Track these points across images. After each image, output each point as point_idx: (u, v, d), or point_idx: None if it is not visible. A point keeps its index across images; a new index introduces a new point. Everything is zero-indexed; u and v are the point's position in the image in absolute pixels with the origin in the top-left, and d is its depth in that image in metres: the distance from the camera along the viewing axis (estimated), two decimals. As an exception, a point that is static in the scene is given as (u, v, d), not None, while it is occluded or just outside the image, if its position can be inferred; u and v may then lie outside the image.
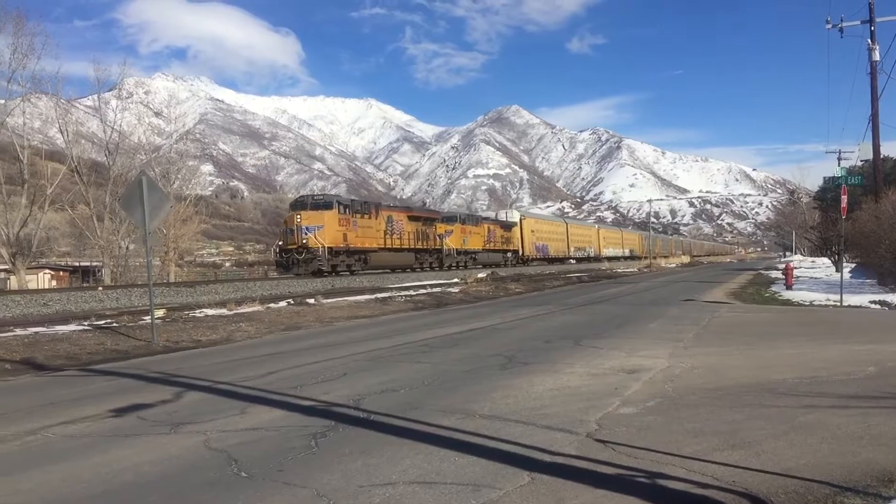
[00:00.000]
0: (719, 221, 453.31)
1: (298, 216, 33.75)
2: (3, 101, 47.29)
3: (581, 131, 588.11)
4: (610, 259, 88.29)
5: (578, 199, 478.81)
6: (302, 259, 33.03)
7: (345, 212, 35.70)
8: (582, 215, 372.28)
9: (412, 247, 42.91)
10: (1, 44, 44.46)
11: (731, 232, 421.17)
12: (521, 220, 64.82)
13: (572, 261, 75.26)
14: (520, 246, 62.27)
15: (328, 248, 33.38)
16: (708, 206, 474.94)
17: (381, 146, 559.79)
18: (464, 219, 52.13)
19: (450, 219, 50.41)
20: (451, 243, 47.73)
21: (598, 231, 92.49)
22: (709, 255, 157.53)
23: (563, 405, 7.08)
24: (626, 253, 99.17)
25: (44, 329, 14.75)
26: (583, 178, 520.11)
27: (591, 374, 8.89)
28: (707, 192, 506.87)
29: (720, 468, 4.95)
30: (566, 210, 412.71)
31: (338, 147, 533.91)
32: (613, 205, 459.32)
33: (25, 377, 10.37)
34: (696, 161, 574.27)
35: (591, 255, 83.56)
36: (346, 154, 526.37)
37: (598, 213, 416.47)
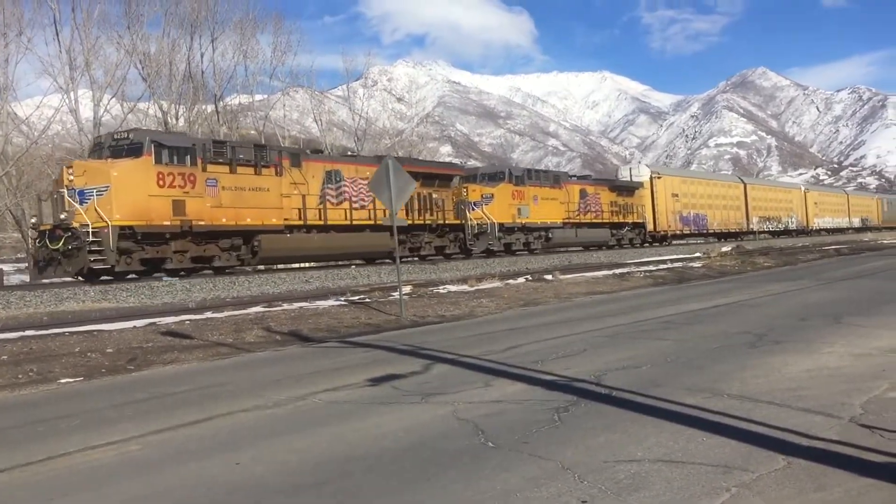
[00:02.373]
0: None
1: (70, 171, 19.91)
2: (266, 96, 52.22)
3: (838, 91, 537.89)
4: (832, 231, 70.15)
5: (835, 165, 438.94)
6: (61, 250, 19.22)
7: (172, 160, 20.84)
8: (840, 182, 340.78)
9: (373, 221, 26.87)
10: (262, 43, 49.08)
11: None
12: (652, 178, 46.47)
13: (764, 236, 58.67)
14: (650, 217, 45.45)
15: (119, 227, 19.49)
16: None
17: (616, 119, 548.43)
18: (519, 176, 34.39)
19: (490, 177, 33.72)
20: (491, 214, 31.65)
21: (805, 194, 70.21)
22: None
23: (822, 387, 6.59)
24: (856, 223, 77.67)
25: (307, 304, 16.17)
26: (840, 143, 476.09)
27: (854, 354, 8.19)
28: None
29: None
30: (821, 178, 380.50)
31: (572, 122, 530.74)
32: (878, 169, 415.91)
33: (293, 347, 11.44)
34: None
35: (793, 226, 64.55)
36: (581, 129, 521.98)
37: (859, 180, 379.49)
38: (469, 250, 31.71)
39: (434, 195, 30.16)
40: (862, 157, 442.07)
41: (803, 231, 65.49)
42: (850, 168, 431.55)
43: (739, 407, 5.97)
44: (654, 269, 25.93)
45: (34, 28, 37.14)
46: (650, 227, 45.30)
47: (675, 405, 6.12)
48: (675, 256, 33.36)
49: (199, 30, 43.23)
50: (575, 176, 43.61)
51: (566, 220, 36.79)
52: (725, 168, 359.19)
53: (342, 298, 17.29)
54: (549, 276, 22.33)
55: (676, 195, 48.27)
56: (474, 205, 31.51)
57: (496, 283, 20.46)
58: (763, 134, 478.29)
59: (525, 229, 34.12)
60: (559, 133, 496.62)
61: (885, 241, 54.11)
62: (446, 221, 30.74)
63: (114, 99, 40.63)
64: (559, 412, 6.07)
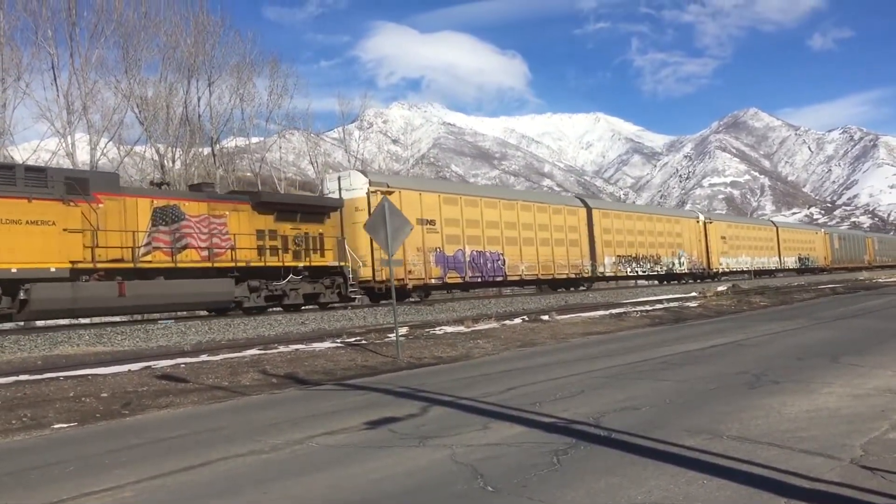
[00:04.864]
0: None
1: None
2: (262, 139, 52.62)
3: (829, 131, 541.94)
4: (757, 274, 57.41)
5: (829, 205, 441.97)
6: None
7: None
8: (833, 221, 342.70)
9: None
10: (259, 86, 49.52)
11: None
12: (370, 194, 26.81)
13: (637, 283, 45.58)
14: (367, 256, 26.39)
15: None
16: None
17: (611, 159, 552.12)
18: None
19: None
20: None
21: (705, 225, 51.58)
22: None
23: (822, 428, 6.57)
24: (790, 263, 62.94)
25: (303, 346, 16.09)
26: (833, 182, 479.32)
27: (853, 394, 8.17)
28: None
29: None
30: (815, 217, 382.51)
31: (566, 163, 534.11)
32: (871, 208, 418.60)
33: (290, 390, 11.36)
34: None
35: (683, 268, 47.88)
36: (575, 169, 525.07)
37: (852, 219, 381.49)
38: None
39: None
40: (855, 197, 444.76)
41: (704, 274, 50.34)
42: (843, 207, 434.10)
43: (739, 448, 5.94)
44: (651, 308, 25.92)
45: (32, 73, 37.35)
46: (365, 273, 26.75)
47: (675, 447, 6.08)
48: (671, 296, 33.31)
49: (196, 74, 43.67)
50: (163, 184, 24.03)
51: (87, 264, 18.83)
52: (720, 208, 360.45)
53: (338, 340, 17.21)
54: (545, 317, 22.30)
55: (432, 222, 29.32)
56: None
57: (493, 325, 20.42)
58: (756, 174, 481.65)
59: None
60: (554, 174, 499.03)
61: (879, 280, 54.26)
62: None
63: (111, 142, 40.86)
64: (558, 455, 6.03)
